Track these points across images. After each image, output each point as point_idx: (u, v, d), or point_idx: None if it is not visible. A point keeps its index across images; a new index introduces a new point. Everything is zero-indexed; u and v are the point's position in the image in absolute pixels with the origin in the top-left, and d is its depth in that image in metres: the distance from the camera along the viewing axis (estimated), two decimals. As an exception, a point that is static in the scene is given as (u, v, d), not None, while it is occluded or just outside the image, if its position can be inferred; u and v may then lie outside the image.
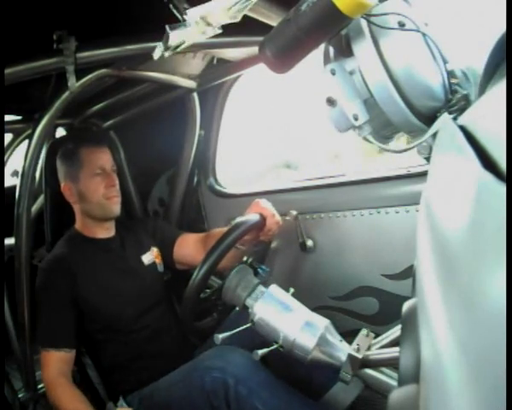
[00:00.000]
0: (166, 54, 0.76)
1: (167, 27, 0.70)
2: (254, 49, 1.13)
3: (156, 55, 0.76)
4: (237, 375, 0.95)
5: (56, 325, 1.14)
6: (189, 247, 1.32)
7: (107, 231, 1.29)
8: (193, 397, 0.99)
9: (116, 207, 1.25)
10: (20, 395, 1.33)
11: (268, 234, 1.12)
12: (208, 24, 0.70)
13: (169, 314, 1.32)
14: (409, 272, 1.19)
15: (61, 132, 1.69)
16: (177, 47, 0.74)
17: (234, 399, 0.94)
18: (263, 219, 1.08)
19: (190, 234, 1.37)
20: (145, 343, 1.21)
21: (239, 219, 1.02)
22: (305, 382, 1.00)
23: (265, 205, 1.13)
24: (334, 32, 0.63)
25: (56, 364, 1.11)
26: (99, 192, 1.21)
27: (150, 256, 1.31)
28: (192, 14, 0.69)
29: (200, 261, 0.92)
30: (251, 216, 1.06)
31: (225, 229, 1.07)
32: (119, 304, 1.20)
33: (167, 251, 1.34)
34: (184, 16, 0.70)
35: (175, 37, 0.71)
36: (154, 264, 1.31)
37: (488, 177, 0.21)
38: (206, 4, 0.68)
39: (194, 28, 0.70)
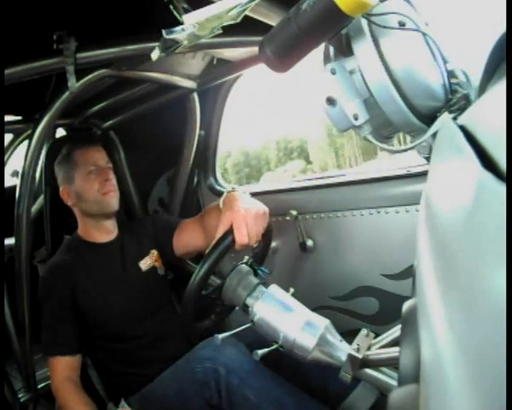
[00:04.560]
0: (164, 55, 0.76)
1: (164, 32, 0.70)
2: (254, 49, 1.13)
3: (154, 56, 0.76)
4: (228, 364, 0.94)
5: (60, 332, 1.15)
6: (187, 232, 1.28)
7: (108, 234, 1.29)
8: (185, 390, 0.99)
9: (113, 202, 1.24)
10: (20, 396, 1.33)
11: (240, 248, 0.95)
12: (207, 27, 0.70)
13: (172, 319, 1.30)
14: (409, 272, 1.19)
15: (61, 132, 1.69)
16: (176, 48, 0.74)
17: (225, 389, 0.93)
18: (232, 233, 0.93)
19: (186, 220, 1.33)
20: (146, 350, 1.21)
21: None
22: (321, 391, 1.00)
23: (239, 222, 0.94)
24: (335, 31, 0.63)
25: (63, 370, 1.12)
26: (94, 188, 1.21)
27: (149, 261, 1.29)
28: (191, 17, 0.69)
29: (200, 263, 0.92)
30: (224, 236, 0.93)
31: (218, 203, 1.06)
32: (117, 313, 1.20)
33: (167, 247, 1.31)
34: (183, 18, 0.69)
35: (172, 41, 0.71)
36: (153, 268, 1.29)
37: (488, 177, 0.21)
38: (205, 8, 0.68)
39: (192, 31, 0.70)
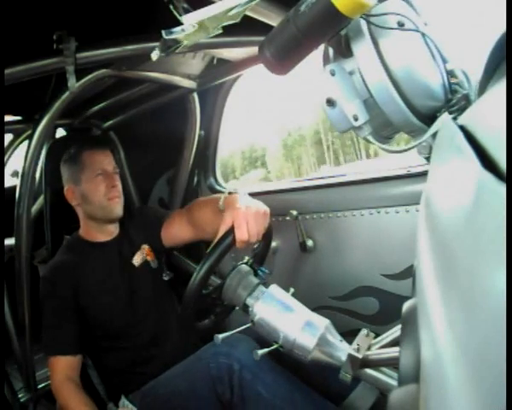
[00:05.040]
0: (164, 55, 0.76)
1: (163, 32, 0.70)
2: (254, 49, 1.13)
3: (154, 57, 0.76)
4: (242, 360, 0.95)
5: (61, 331, 1.15)
6: (174, 225, 1.30)
7: (109, 236, 1.29)
8: (198, 386, 0.99)
9: (118, 208, 1.24)
10: (20, 396, 1.33)
11: (241, 246, 0.95)
12: (206, 27, 0.70)
13: (170, 315, 1.31)
14: (409, 272, 1.19)
15: (61, 132, 1.69)
16: (176, 49, 0.74)
17: (237, 384, 0.94)
18: (233, 232, 0.93)
19: (174, 212, 1.36)
20: (146, 348, 1.21)
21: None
22: (321, 391, 1.00)
23: (240, 219, 0.93)
24: (334, 32, 0.63)
25: (63, 369, 1.12)
26: (100, 193, 1.21)
27: (141, 256, 1.30)
28: (190, 18, 0.69)
29: (201, 262, 0.92)
30: (224, 236, 0.93)
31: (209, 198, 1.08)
32: (116, 312, 1.20)
33: (156, 239, 1.32)
34: (183, 18, 0.69)
35: (172, 41, 0.71)
36: (145, 262, 1.30)
37: (488, 177, 0.21)
38: (204, 9, 0.68)
39: (191, 31, 0.70)
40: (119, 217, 1.26)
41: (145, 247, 1.31)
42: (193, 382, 1.00)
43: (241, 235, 0.93)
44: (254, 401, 0.93)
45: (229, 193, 1.09)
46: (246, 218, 0.94)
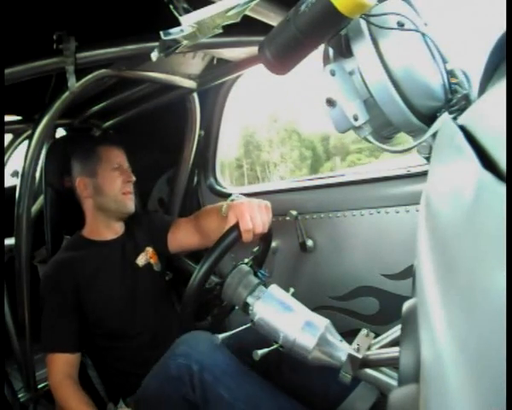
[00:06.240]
0: (164, 55, 0.76)
1: (162, 33, 0.70)
2: (254, 49, 1.13)
3: (153, 57, 0.76)
4: (201, 361, 0.92)
5: (61, 328, 1.14)
6: (180, 231, 1.31)
7: (114, 234, 1.29)
8: (164, 386, 0.97)
9: (130, 204, 1.26)
10: (20, 396, 1.33)
11: (246, 241, 0.97)
12: (206, 27, 0.70)
13: (170, 317, 1.31)
14: (409, 272, 1.19)
15: (61, 133, 1.69)
16: (175, 49, 0.74)
17: (199, 386, 0.91)
18: (238, 229, 0.94)
19: (181, 219, 1.37)
20: (146, 349, 1.21)
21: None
22: (321, 391, 1.00)
23: (242, 211, 0.96)
24: (334, 32, 0.63)
25: (62, 366, 1.12)
26: (116, 186, 1.23)
27: (145, 257, 1.30)
28: (189, 18, 0.69)
29: (203, 259, 0.91)
30: (227, 232, 0.94)
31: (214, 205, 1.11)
32: (116, 311, 1.20)
33: (162, 244, 1.32)
34: (183, 18, 0.69)
35: (171, 41, 0.71)
36: (149, 264, 1.30)
37: (488, 177, 0.21)
38: (203, 9, 0.68)
39: (191, 31, 0.70)
40: (130, 213, 1.27)
41: (149, 249, 1.31)
42: (160, 382, 0.98)
43: (246, 225, 0.93)
44: (216, 403, 0.90)
45: (232, 200, 1.09)
46: (248, 210, 0.95)
